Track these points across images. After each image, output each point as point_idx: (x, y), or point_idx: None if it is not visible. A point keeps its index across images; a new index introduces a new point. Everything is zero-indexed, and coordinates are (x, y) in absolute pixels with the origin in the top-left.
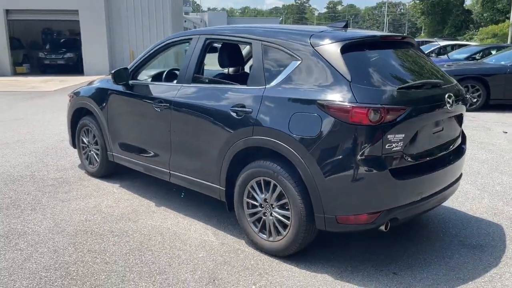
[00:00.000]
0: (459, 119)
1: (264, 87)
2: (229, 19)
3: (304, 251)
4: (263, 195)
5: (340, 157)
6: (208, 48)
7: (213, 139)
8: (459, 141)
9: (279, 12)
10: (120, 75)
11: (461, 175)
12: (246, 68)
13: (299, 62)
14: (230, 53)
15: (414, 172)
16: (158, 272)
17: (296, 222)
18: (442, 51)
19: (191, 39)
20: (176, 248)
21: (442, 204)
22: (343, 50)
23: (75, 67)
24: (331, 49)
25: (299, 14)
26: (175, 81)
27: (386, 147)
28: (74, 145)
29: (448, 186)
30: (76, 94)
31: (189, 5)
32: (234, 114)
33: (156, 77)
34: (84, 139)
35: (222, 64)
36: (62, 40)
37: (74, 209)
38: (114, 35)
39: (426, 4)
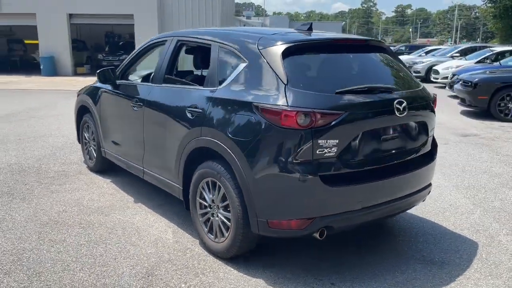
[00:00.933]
0: (424, 126)
1: (216, 88)
2: (291, 23)
3: (254, 255)
4: (211, 196)
5: (271, 160)
6: (179, 49)
7: (173, 138)
8: (424, 149)
9: (345, 16)
10: (104, 75)
11: (429, 185)
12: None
13: (245, 64)
14: (198, 55)
15: (352, 180)
16: (101, 265)
17: (234, 224)
18: (499, 57)
19: (166, 41)
20: (129, 243)
21: (427, 217)
22: (286, 53)
23: None
24: (273, 51)
25: (365, 18)
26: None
27: (317, 152)
28: (79, 141)
29: (404, 197)
30: (81, 92)
31: (252, 10)
32: (189, 115)
33: (146, 78)
34: (86, 135)
35: (194, 65)
36: (120, 43)
37: (58, 200)
38: None
39: (499, 7)
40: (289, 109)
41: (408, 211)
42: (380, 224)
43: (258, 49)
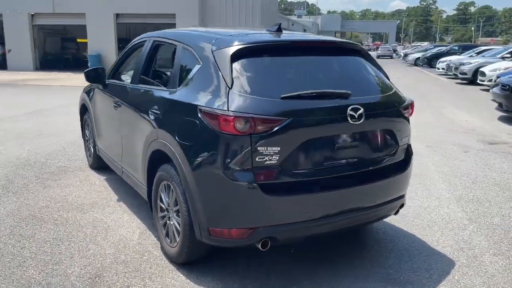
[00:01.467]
0: (391, 135)
1: (174, 90)
2: (343, 22)
3: (213, 261)
4: (168, 200)
5: (211, 166)
6: (155, 50)
7: (139, 139)
8: (393, 159)
9: (402, 14)
10: (91, 75)
11: (400, 197)
12: None
13: (199, 66)
14: (168, 56)
15: (297, 190)
16: (55, 263)
17: (182, 230)
18: None
19: (145, 41)
20: (93, 242)
21: (411, 231)
22: (236, 55)
23: None
24: (223, 53)
25: (424, 16)
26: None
27: (257, 159)
28: (83, 138)
29: (365, 208)
30: (84, 90)
31: (304, 8)
32: (151, 116)
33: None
34: (86, 132)
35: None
36: None
37: (47, 196)
38: None
39: None
40: (227, 114)
41: (394, 223)
42: (357, 233)
43: (211, 50)
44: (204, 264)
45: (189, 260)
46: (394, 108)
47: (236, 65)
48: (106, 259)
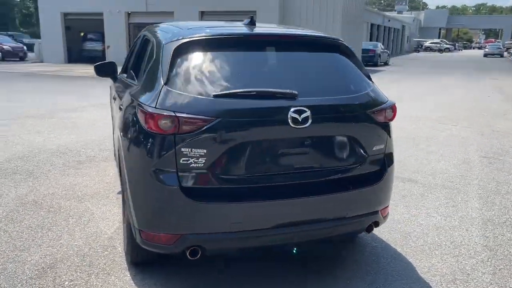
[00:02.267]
0: (356, 142)
1: (138, 85)
2: (451, 17)
3: (169, 266)
4: None
5: (140, 166)
6: (142, 44)
7: (115, 133)
8: (359, 170)
9: None
10: (99, 68)
11: (372, 213)
12: None
13: (153, 60)
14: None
15: (227, 197)
16: (21, 249)
17: (125, 230)
18: None
19: (140, 35)
20: (69, 232)
21: (405, 253)
22: (179, 50)
23: None
24: (168, 48)
25: None
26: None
27: (181, 161)
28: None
29: (316, 222)
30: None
31: (405, 3)
32: (121, 110)
33: None
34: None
35: None
36: None
37: (59, 183)
38: None
39: None
40: (152, 112)
41: (387, 242)
42: (335, 246)
43: (162, 44)
44: (157, 268)
45: (135, 261)
46: (361, 111)
47: (178, 60)
48: (69, 251)
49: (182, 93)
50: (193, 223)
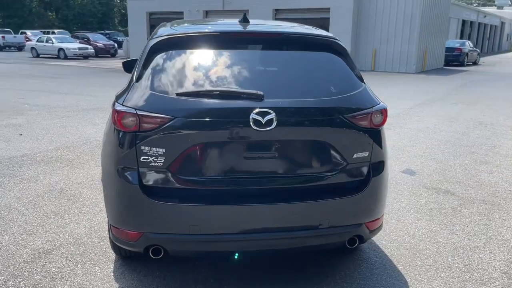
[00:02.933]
0: (330, 148)
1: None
2: None
3: (156, 263)
4: None
5: (107, 163)
6: None
7: None
8: (335, 178)
9: None
10: (126, 65)
11: (351, 226)
12: None
13: (139, 58)
14: None
15: (184, 198)
16: (29, 233)
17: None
18: None
19: None
20: (75, 220)
21: (404, 270)
22: (155, 47)
23: None
24: (148, 45)
25: None
26: None
27: (142, 160)
28: None
29: (281, 231)
30: None
31: None
32: None
33: None
34: None
35: None
36: None
37: (90, 173)
38: (360, 33)
39: None
40: (119, 109)
41: (391, 257)
42: (329, 256)
43: (147, 42)
44: (143, 263)
45: (118, 254)
46: (337, 115)
47: (153, 58)
48: (70, 238)
49: (148, 91)
50: (153, 222)
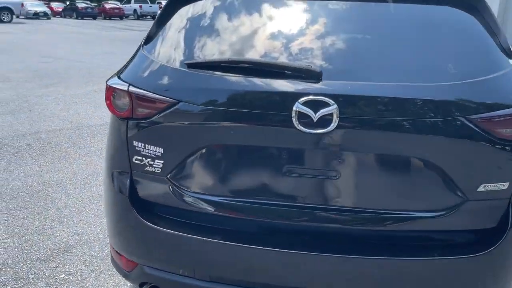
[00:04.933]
0: (436, 170)
1: None
2: None
3: None
4: None
5: (105, 161)
6: None
7: None
8: (431, 223)
9: None
10: None
11: None
12: None
13: None
14: None
15: (188, 225)
16: (59, 221)
17: None
18: None
19: None
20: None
21: None
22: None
23: None
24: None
25: None
26: None
27: (134, 160)
28: None
29: None
30: None
31: None
32: None
33: None
34: None
35: None
36: None
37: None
38: None
39: None
40: (109, 83)
41: None
42: None
43: None
44: None
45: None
46: (455, 115)
47: (171, 14)
48: (99, 234)
49: (151, 59)
50: (148, 251)
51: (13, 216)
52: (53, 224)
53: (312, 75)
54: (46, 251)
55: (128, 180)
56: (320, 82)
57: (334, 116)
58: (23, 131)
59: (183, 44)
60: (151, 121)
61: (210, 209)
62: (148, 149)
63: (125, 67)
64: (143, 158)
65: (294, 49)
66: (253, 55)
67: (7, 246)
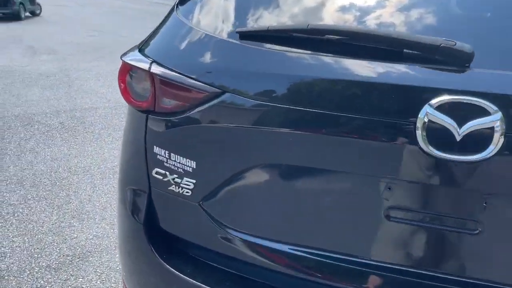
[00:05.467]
0: None
1: None
2: None
3: None
4: None
5: (119, 170)
6: None
7: None
8: None
9: None
10: None
11: None
12: None
13: None
14: None
15: (224, 276)
16: (81, 219)
17: None
18: None
19: None
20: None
21: None
22: None
23: None
24: None
25: None
26: None
27: (154, 174)
28: None
29: None
30: None
31: None
32: None
33: None
34: None
35: None
36: None
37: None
38: None
39: None
40: (125, 59)
41: None
42: None
43: None
44: None
45: None
46: None
47: None
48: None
49: (190, 25)
50: None
51: (29, 208)
52: (72, 221)
53: (455, 59)
54: (58, 257)
55: (145, 202)
56: (469, 72)
57: (496, 133)
58: (58, 107)
59: (235, 4)
60: (181, 118)
61: (270, 262)
62: (175, 160)
63: (150, 36)
64: (167, 173)
65: (415, 16)
66: (345, 23)
67: (16, 246)
